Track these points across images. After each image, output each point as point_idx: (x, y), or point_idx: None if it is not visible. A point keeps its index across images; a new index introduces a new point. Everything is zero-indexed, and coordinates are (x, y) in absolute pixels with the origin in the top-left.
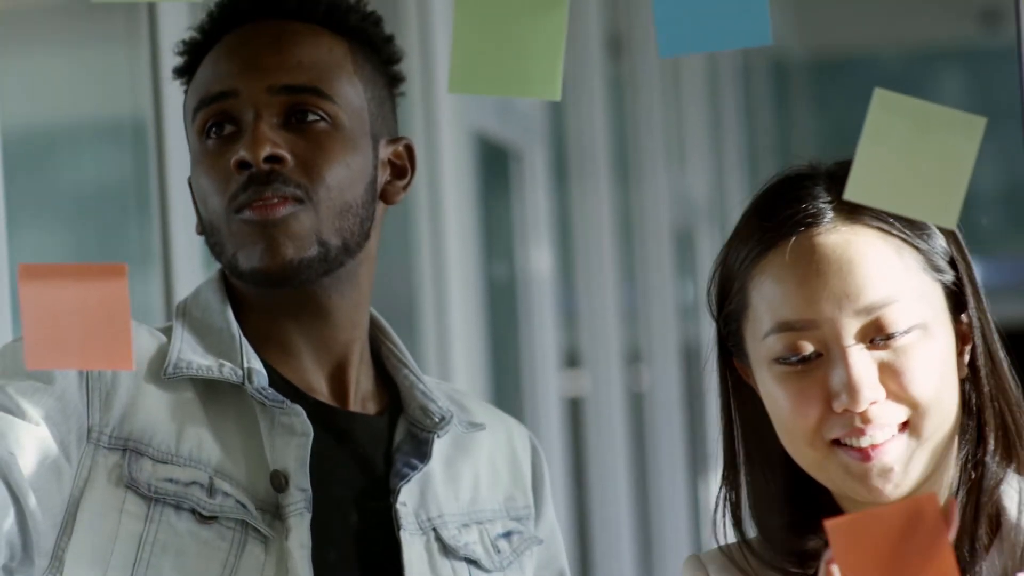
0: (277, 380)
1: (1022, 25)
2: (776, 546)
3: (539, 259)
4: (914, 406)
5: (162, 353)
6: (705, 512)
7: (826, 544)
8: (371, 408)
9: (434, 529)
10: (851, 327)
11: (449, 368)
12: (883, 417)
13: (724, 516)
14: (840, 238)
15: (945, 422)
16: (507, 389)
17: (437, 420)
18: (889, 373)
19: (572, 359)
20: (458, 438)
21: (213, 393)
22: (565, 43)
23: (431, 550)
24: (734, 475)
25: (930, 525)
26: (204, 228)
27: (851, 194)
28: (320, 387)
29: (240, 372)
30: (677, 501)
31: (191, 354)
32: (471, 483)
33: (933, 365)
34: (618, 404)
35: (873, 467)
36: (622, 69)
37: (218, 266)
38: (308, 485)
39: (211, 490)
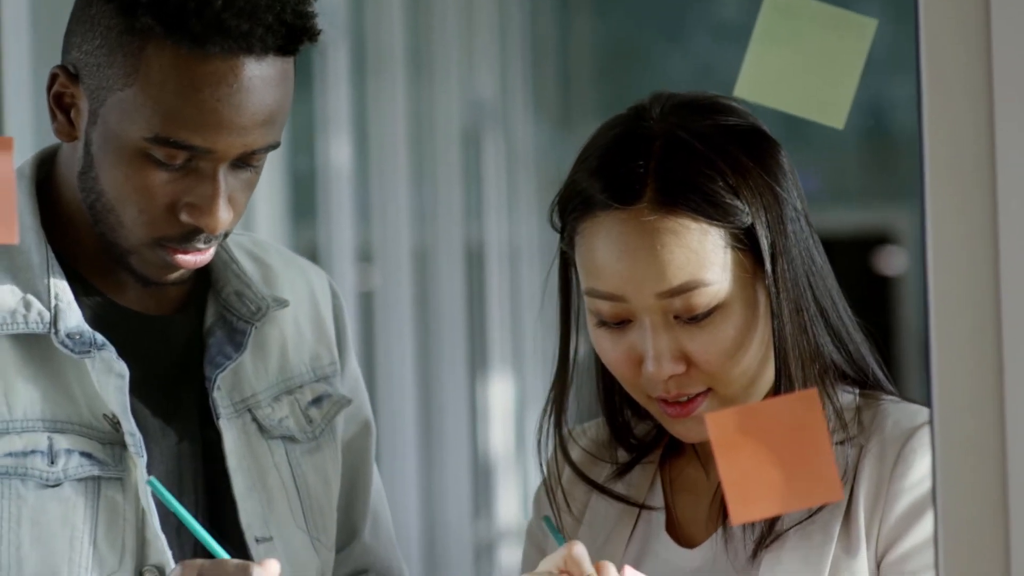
0: (91, 303)
1: None
2: (615, 432)
3: (339, 153)
4: (713, 377)
5: None
6: (481, 408)
7: (654, 430)
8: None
9: (249, 410)
10: (655, 308)
11: None
12: (685, 386)
13: (550, 414)
14: (649, 224)
15: (751, 379)
16: None
17: (254, 310)
18: (689, 348)
19: (365, 254)
20: None
21: (29, 336)
22: None
23: (248, 431)
24: (565, 374)
25: (809, 420)
26: (103, 204)
27: (741, 91)
28: (132, 289)
29: (47, 314)
30: (458, 397)
31: None
32: (278, 350)
33: (731, 338)
34: (406, 301)
35: (682, 420)
36: None
37: (34, 154)
38: (135, 428)
39: (52, 454)
